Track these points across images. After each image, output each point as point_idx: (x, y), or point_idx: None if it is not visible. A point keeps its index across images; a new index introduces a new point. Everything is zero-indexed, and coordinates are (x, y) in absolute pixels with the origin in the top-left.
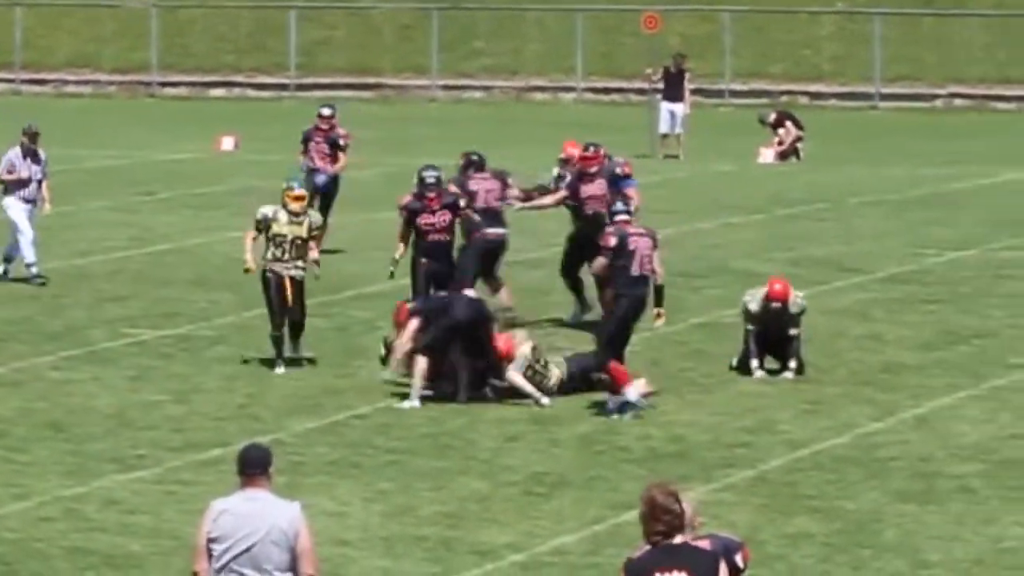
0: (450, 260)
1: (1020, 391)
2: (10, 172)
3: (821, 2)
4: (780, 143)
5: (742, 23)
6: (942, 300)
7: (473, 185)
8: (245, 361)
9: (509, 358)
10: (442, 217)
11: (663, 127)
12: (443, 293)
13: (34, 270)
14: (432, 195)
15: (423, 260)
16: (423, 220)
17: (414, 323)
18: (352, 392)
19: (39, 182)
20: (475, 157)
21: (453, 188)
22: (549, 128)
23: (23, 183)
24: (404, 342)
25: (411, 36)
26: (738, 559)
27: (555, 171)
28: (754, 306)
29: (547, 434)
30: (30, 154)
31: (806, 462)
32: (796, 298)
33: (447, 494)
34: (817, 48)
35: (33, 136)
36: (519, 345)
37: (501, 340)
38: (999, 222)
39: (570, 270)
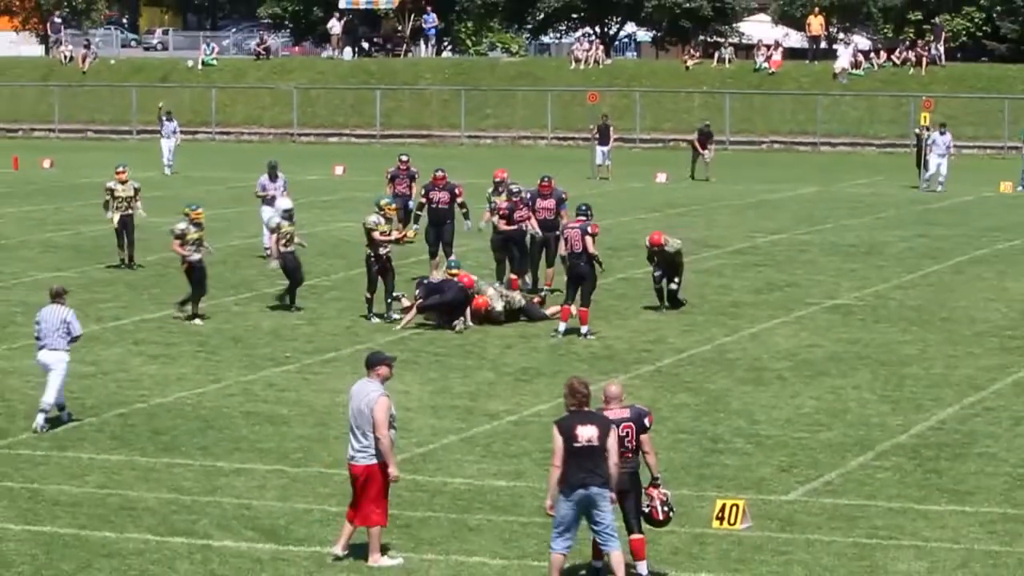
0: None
1: (813, 319)
2: (263, 190)
3: (693, 86)
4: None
5: (647, 98)
6: (767, 265)
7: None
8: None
9: (487, 310)
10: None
11: (598, 160)
12: (437, 279)
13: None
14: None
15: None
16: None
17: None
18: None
19: (276, 195)
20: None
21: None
22: (530, 162)
23: (271, 199)
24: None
25: (448, 106)
26: (646, 420)
27: (488, 191)
28: (648, 254)
29: (530, 344)
30: (272, 177)
31: (684, 361)
32: (668, 240)
33: (469, 380)
34: (688, 112)
35: (273, 167)
36: (491, 298)
37: (479, 301)
38: (799, 218)
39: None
